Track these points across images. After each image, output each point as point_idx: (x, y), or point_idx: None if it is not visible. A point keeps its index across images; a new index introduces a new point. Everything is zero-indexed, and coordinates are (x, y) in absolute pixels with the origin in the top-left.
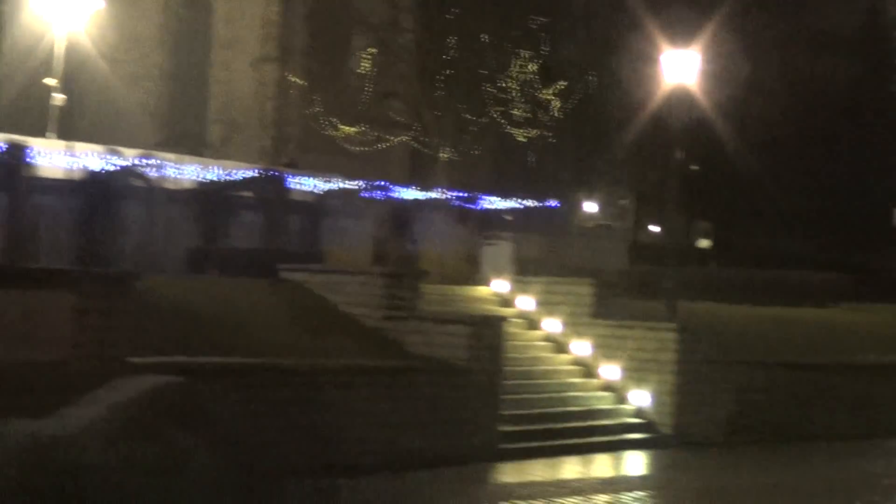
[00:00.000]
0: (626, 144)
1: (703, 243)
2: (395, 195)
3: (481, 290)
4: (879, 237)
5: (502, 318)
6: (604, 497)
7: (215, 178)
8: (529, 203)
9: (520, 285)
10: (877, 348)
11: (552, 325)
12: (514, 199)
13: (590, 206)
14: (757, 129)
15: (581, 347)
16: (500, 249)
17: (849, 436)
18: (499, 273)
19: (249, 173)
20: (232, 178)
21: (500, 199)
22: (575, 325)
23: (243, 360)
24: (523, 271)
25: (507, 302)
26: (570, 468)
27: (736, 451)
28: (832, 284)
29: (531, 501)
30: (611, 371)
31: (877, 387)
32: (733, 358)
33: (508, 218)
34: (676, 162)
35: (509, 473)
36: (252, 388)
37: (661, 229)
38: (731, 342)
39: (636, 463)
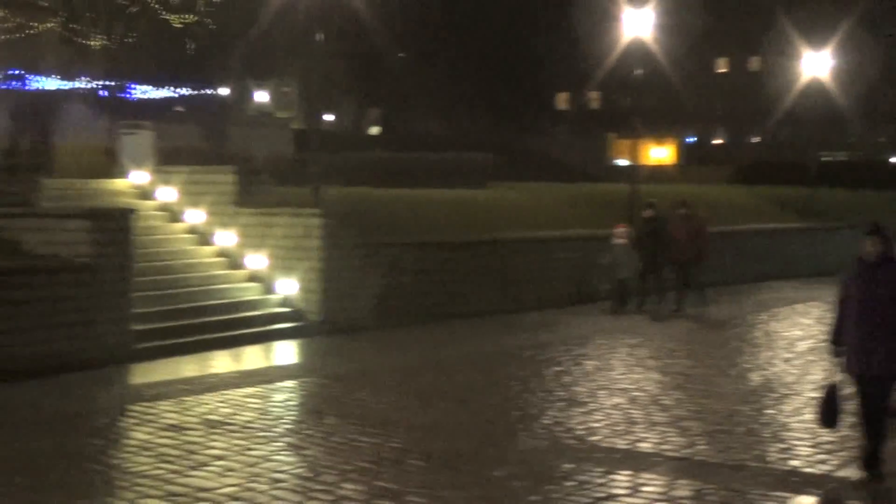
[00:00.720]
0: (284, 32)
1: (374, 129)
2: (33, 85)
3: (118, 183)
4: (541, 120)
5: (130, 211)
6: (239, 391)
7: None
8: (186, 91)
9: (161, 176)
10: (523, 224)
11: (195, 215)
12: (169, 87)
13: (260, 96)
14: (421, 15)
15: (225, 238)
16: (140, 139)
17: (498, 311)
18: (138, 164)
19: None
20: None
21: (153, 88)
22: (219, 216)
23: None
24: (168, 161)
25: (146, 194)
26: (212, 363)
27: (386, 335)
28: (487, 165)
29: (159, 402)
30: (257, 261)
31: (522, 262)
32: (383, 241)
33: (179, 109)
34: (320, 46)
35: (142, 374)
36: None
37: (335, 117)
38: (383, 225)
39: (282, 353)
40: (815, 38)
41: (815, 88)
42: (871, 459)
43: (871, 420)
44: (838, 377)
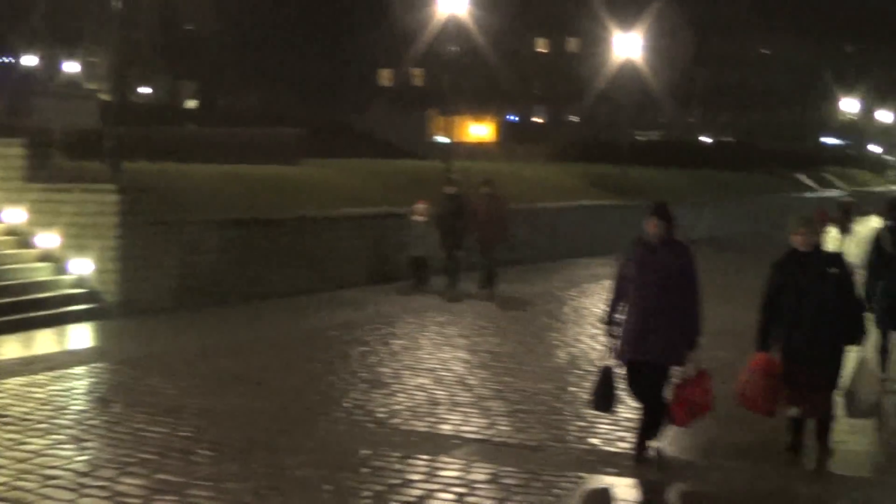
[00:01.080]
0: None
1: (191, 103)
2: None
3: None
4: (362, 96)
5: None
6: (20, 379)
7: None
8: None
9: None
10: (332, 202)
11: None
12: None
13: (69, 66)
14: None
15: (13, 215)
16: None
17: (303, 291)
18: None
19: None
20: None
21: None
22: (6, 191)
23: None
24: None
25: None
26: None
27: (185, 316)
28: (300, 141)
29: None
30: (48, 239)
31: (326, 240)
32: (184, 219)
33: None
34: (119, 14)
35: None
36: None
37: (151, 90)
38: (186, 202)
39: (73, 337)
40: (629, 20)
41: (629, 70)
42: (652, 437)
43: (648, 407)
44: (613, 360)
